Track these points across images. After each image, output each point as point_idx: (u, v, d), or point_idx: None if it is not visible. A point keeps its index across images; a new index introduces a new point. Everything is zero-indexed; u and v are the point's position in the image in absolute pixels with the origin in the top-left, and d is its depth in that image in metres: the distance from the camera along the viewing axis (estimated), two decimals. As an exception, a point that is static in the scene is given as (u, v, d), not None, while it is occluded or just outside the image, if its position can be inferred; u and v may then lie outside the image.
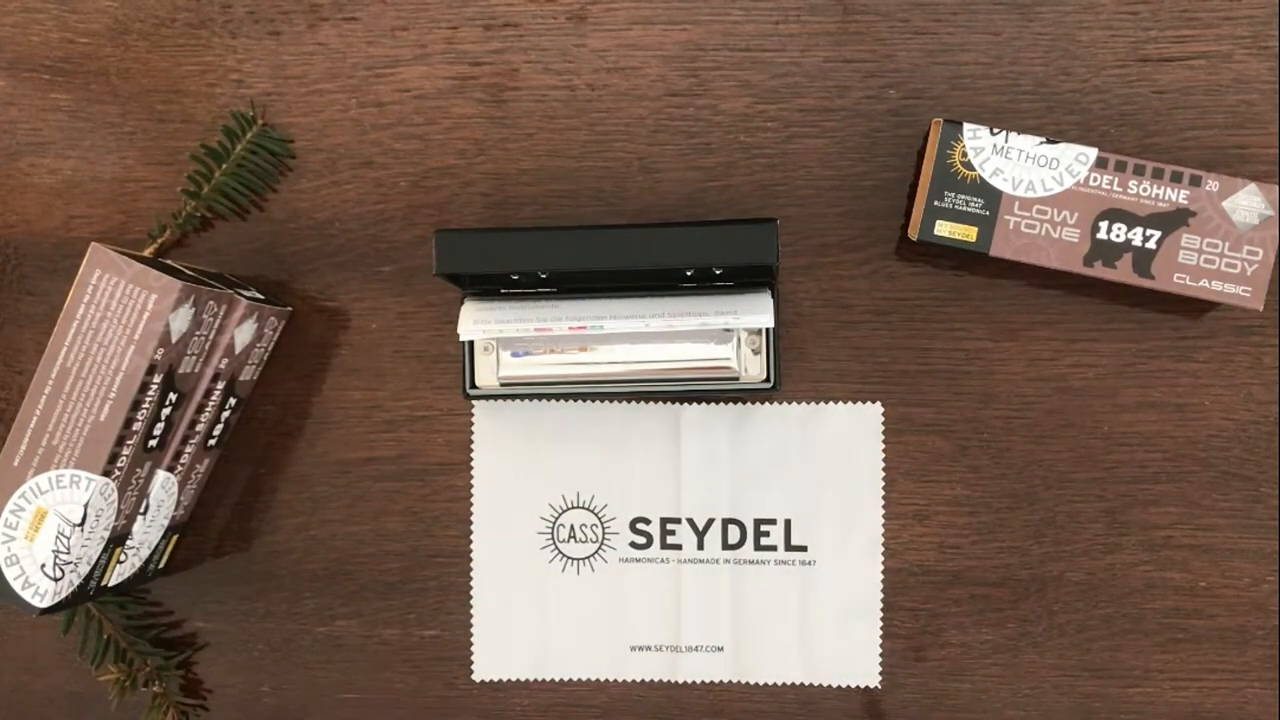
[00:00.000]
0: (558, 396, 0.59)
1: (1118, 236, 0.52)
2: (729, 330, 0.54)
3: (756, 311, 0.53)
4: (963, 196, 0.53)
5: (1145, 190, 0.52)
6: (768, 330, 0.55)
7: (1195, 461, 0.57)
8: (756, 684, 0.59)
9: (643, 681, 0.59)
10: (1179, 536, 0.57)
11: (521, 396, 0.57)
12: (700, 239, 0.51)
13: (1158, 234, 0.52)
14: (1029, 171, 0.53)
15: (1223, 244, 0.52)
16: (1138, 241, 0.52)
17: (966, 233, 0.53)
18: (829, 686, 0.58)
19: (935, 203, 0.53)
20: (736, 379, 0.55)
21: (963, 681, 0.58)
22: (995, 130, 0.53)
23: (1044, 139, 0.53)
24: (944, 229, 0.53)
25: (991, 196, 0.53)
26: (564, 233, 0.53)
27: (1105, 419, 0.57)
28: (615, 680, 0.59)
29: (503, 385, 0.56)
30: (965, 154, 0.53)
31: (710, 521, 0.59)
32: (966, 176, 0.53)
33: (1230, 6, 0.55)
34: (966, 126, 0.53)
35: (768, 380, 0.55)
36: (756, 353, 0.56)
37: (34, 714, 0.61)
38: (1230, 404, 0.56)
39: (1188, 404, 0.56)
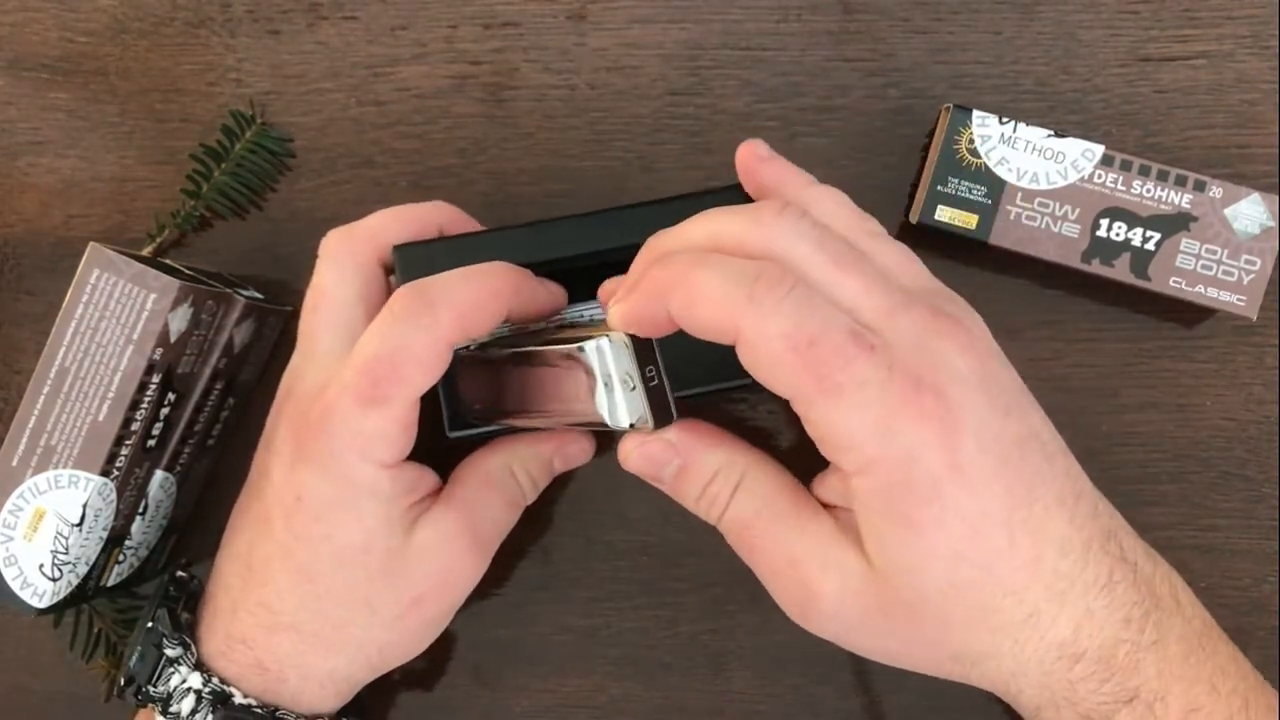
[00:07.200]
0: None
1: (1117, 235, 0.52)
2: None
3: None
4: (966, 183, 0.53)
5: (1149, 191, 0.52)
6: (636, 350, 0.41)
7: (1196, 461, 0.57)
8: (756, 686, 0.59)
9: (643, 686, 0.59)
10: (1180, 537, 0.57)
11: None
12: (671, 215, 0.44)
13: (1157, 236, 0.52)
14: (1034, 163, 0.52)
15: (1221, 251, 0.52)
16: (1137, 242, 0.52)
17: (967, 220, 0.53)
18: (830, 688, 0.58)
19: (939, 187, 0.53)
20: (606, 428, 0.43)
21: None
22: (1004, 119, 0.52)
23: (1052, 131, 0.52)
24: (945, 214, 0.53)
25: (995, 185, 0.53)
26: (528, 229, 0.48)
27: (1106, 419, 0.57)
28: (615, 681, 0.59)
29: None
30: (972, 141, 0.53)
31: None
32: (972, 164, 0.53)
33: (1231, 6, 0.55)
34: (975, 114, 0.52)
35: (647, 422, 0.42)
36: (632, 388, 0.41)
37: (34, 715, 0.61)
38: (1231, 404, 0.56)
39: (1189, 404, 0.56)
